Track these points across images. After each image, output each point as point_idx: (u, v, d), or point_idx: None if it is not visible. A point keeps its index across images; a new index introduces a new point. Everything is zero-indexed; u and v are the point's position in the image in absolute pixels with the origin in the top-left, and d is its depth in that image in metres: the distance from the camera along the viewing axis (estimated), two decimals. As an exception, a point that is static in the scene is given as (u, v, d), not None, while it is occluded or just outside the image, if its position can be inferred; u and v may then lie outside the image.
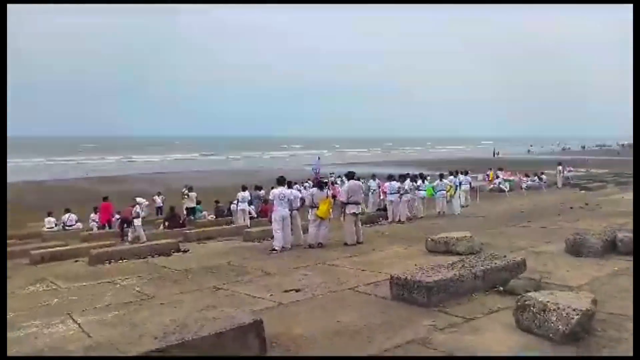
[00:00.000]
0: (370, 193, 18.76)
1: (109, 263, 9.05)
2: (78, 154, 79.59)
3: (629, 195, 15.36)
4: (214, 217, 18.91)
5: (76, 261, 9.95)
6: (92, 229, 17.23)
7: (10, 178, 32.77)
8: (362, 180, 16.32)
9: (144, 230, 13.93)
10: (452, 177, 17.24)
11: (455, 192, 15.88)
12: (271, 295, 5.59)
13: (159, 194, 22.61)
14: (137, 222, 13.86)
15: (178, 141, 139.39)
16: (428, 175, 18.91)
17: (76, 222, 17.86)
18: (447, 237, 7.69)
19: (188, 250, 10.26)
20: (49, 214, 17.92)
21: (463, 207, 16.81)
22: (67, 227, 17.36)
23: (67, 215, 17.78)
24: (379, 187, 17.88)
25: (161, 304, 5.52)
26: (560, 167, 25.91)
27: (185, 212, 18.63)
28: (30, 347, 4.13)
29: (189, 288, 6.37)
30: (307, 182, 22.43)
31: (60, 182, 38.16)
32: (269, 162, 66.35)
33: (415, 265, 6.60)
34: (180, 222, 16.43)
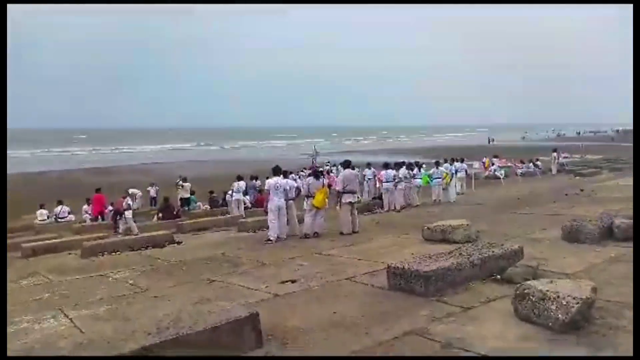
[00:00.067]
0: (365, 182, 18.70)
1: (102, 255, 8.94)
2: (71, 145, 78.96)
3: (624, 181, 15.37)
4: (209, 207, 18.81)
5: (69, 254, 9.82)
6: (84, 221, 17.08)
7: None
8: (358, 169, 16.25)
9: (135, 222, 13.76)
10: (447, 164, 17.18)
11: (451, 180, 15.83)
12: (266, 286, 5.52)
13: (152, 184, 22.45)
14: (128, 213, 13.70)
15: (171, 131, 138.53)
16: (423, 163, 18.86)
17: (69, 214, 17.70)
18: (443, 226, 7.64)
19: (182, 242, 10.17)
20: (42, 206, 17.73)
21: (459, 194, 16.77)
22: (59, 219, 17.21)
23: (59, 207, 17.61)
24: (374, 175, 17.83)
25: (155, 297, 5.44)
26: (555, 154, 25.89)
27: (179, 203, 18.51)
28: (20, 344, 4.04)
29: (183, 280, 6.29)
30: (302, 171, 22.34)
31: (53, 174, 37.85)
32: (264, 152, 66.12)
33: (412, 254, 6.53)
34: (175, 213, 16.32)
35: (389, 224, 10.85)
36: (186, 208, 18.34)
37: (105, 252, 9.14)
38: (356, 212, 10.00)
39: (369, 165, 20.12)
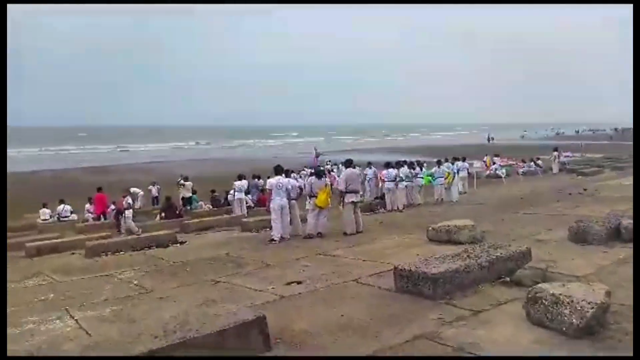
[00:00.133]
0: (366, 181, 18.62)
1: (106, 255, 8.91)
2: (72, 143, 78.86)
3: (627, 181, 15.31)
4: (211, 206, 18.76)
5: (72, 253, 9.79)
6: (87, 220, 17.05)
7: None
8: (359, 169, 16.17)
9: (134, 221, 13.66)
10: (448, 163, 17.11)
11: (453, 179, 15.78)
12: (272, 288, 5.48)
13: (154, 183, 22.41)
14: (128, 213, 13.59)
15: (172, 130, 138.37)
16: (424, 162, 18.80)
17: (71, 213, 17.67)
18: (448, 226, 7.59)
19: (185, 242, 10.13)
20: (44, 205, 17.72)
21: (461, 194, 16.73)
22: (62, 219, 17.18)
23: (61, 206, 17.59)
24: (376, 175, 17.75)
25: (160, 299, 5.40)
26: (556, 153, 25.81)
27: (181, 202, 18.47)
28: (27, 346, 4.00)
29: (188, 281, 6.25)
30: (303, 170, 22.28)
31: (55, 173, 37.80)
32: (263, 151, 66.06)
33: (418, 255, 6.50)
34: (177, 212, 16.26)
35: (392, 224, 10.81)
36: (188, 207, 18.28)
37: (109, 252, 9.10)
38: (359, 211, 9.96)
39: (369, 164, 20.03)
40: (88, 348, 3.34)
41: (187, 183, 19.21)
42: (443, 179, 15.51)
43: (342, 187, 9.85)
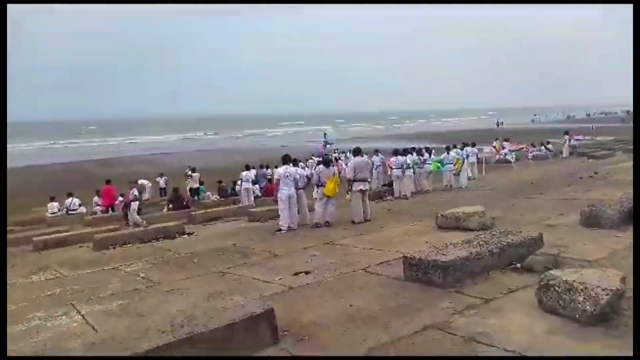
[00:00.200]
0: (374, 169, 18.47)
1: (114, 248, 8.92)
2: (80, 136, 79.37)
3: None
4: (218, 197, 18.78)
5: (80, 247, 9.83)
6: (95, 213, 17.14)
7: (14, 163, 32.71)
8: (366, 156, 16.01)
9: (139, 214, 13.66)
10: (457, 149, 16.91)
11: (462, 165, 15.61)
12: (280, 278, 5.42)
13: (161, 175, 22.48)
14: (134, 205, 13.59)
15: (182, 120, 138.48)
16: (433, 149, 18.62)
17: (79, 206, 17.77)
18: (457, 213, 7.48)
19: (193, 233, 10.12)
20: (52, 199, 17.83)
21: (470, 179, 16.57)
22: (70, 212, 17.28)
23: (70, 199, 17.69)
24: (383, 162, 17.61)
25: (167, 292, 5.36)
26: (566, 136, 25.45)
27: (188, 193, 18.51)
28: (31, 344, 3.97)
29: (195, 273, 6.22)
30: (311, 158, 22.20)
31: (63, 166, 38.09)
32: (270, 140, 66.02)
33: (427, 242, 6.42)
34: (185, 203, 16.29)
35: (400, 211, 10.72)
36: (196, 198, 18.32)
37: (117, 245, 9.12)
38: (368, 200, 9.87)
39: (377, 152, 19.86)
40: (94, 345, 3.30)
41: (194, 174, 19.25)
42: (452, 165, 15.34)
43: (350, 175, 9.76)
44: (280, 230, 9.06)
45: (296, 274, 5.55)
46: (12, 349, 3.69)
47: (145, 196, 19.14)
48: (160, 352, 3.11)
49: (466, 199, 11.47)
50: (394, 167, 14.31)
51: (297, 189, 9.51)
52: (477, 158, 19.28)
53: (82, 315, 4.72)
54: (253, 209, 12.52)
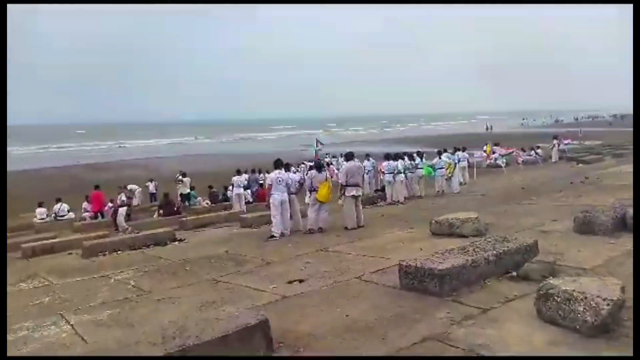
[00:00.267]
0: (365, 174, 18.36)
1: (103, 255, 8.77)
2: (69, 141, 78.47)
3: (628, 168, 15.16)
4: (209, 202, 18.62)
5: (69, 254, 9.66)
6: (84, 219, 16.89)
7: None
8: (357, 160, 15.92)
9: (128, 220, 13.50)
10: (447, 154, 16.90)
11: (454, 170, 15.62)
12: (273, 287, 5.34)
13: (151, 180, 22.25)
14: (121, 210, 13.42)
15: (171, 126, 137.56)
16: (424, 153, 18.60)
17: (68, 211, 17.50)
18: (451, 219, 7.44)
19: (184, 239, 9.99)
20: (40, 205, 17.54)
21: (461, 184, 16.59)
22: (58, 218, 17.02)
23: (58, 205, 17.42)
24: (374, 167, 17.56)
25: (158, 300, 5.25)
26: (555, 141, 25.63)
27: (179, 199, 18.33)
28: (20, 354, 3.85)
29: (187, 281, 6.11)
30: (303, 163, 22.10)
31: (52, 170, 37.58)
32: (262, 144, 65.81)
33: (421, 249, 6.38)
34: (175, 209, 16.12)
35: (393, 217, 10.68)
36: (187, 204, 18.14)
37: (106, 252, 8.97)
38: (360, 205, 9.82)
39: (367, 156, 19.73)
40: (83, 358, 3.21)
41: (185, 179, 19.06)
42: (444, 169, 15.34)
43: (342, 180, 9.70)
44: (273, 236, 8.97)
45: (290, 282, 5.48)
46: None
47: (135, 202, 18.94)
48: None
49: (459, 204, 11.46)
50: (385, 171, 14.27)
51: (289, 194, 9.43)
52: (468, 162, 19.31)
53: (72, 326, 4.61)
54: (245, 215, 12.41)
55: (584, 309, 3.28)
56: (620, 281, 3.59)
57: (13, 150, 57.13)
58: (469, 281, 4.58)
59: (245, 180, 17.69)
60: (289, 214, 9.36)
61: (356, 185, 9.70)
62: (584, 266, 5.04)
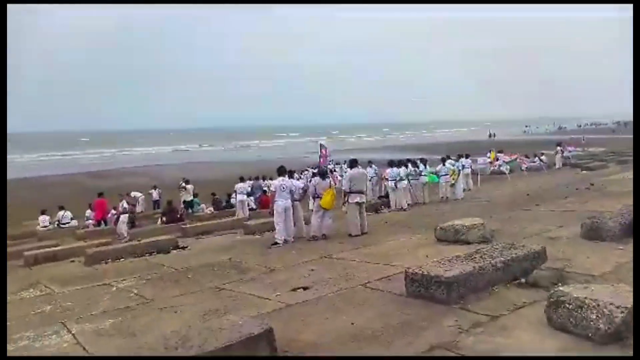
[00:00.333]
0: (367, 180, 18.26)
1: (105, 263, 8.71)
2: (73, 148, 78.72)
3: (632, 174, 15.06)
4: (212, 209, 18.58)
5: (72, 261, 9.62)
6: (87, 227, 16.86)
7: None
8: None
9: (133, 227, 13.47)
10: (451, 160, 16.81)
11: (458, 177, 15.54)
12: (277, 295, 5.27)
13: (155, 187, 22.24)
14: (123, 217, 13.40)
15: (176, 133, 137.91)
16: (427, 160, 18.53)
17: (71, 219, 17.49)
18: (457, 225, 7.36)
19: (187, 247, 9.94)
20: (43, 212, 17.54)
21: (465, 191, 16.50)
22: (62, 225, 17.00)
23: (61, 212, 17.41)
24: (376, 173, 17.51)
25: (160, 309, 5.18)
26: (559, 148, 25.55)
27: (182, 206, 18.29)
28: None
29: (190, 289, 6.04)
30: (306, 170, 22.06)
31: (54, 178, 37.65)
32: (266, 151, 65.88)
33: (427, 256, 6.30)
34: (178, 216, 16.08)
35: (397, 223, 10.60)
36: (190, 211, 18.10)
37: (109, 259, 8.92)
38: (364, 212, 9.74)
39: (370, 163, 19.65)
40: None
41: (188, 186, 19.04)
42: (448, 176, 15.26)
43: (346, 187, 9.65)
44: (276, 243, 8.91)
45: (294, 289, 5.41)
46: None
47: (139, 209, 18.91)
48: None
49: (463, 210, 11.37)
50: (389, 178, 14.21)
51: (293, 201, 9.38)
52: (472, 169, 19.22)
53: (73, 335, 4.54)
54: (248, 222, 12.35)
55: (597, 316, 3.19)
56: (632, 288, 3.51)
57: (15, 158, 57.34)
58: (477, 288, 4.50)
59: (249, 187, 17.65)
60: (292, 221, 9.31)
61: (360, 192, 9.63)
62: (593, 273, 4.96)
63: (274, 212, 9.15)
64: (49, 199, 21.73)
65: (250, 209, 16.84)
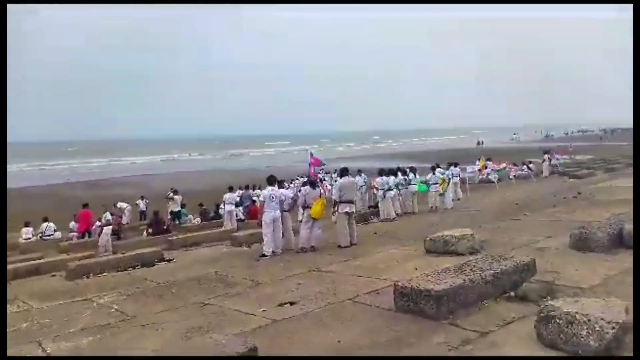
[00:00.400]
0: (356, 189, 18.16)
1: (87, 277, 8.46)
2: (61, 158, 77.77)
3: (620, 183, 15.17)
4: (200, 220, 18.36)
5: (53, 275, 9.36)
6: (70, 239, 16.56)
7: (-12, 187, 31.67)
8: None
9: (118, 239, 13.25)
10: (440, 169, 16.80)
11: (447, 186, 15.51)
12: (263, 310, 5.13)
13: (142, 197, 21.98)
14: (106, 229, 13.18)
15: (164, 142, 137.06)
16: (417, 169, 18.50)
17: (55, 231, 17.16)
18: (446, 236, 7.29)
19: (173, 259, 9.72)
20: (27, 225, 17.19)
21: (454, 200, 16.47)
22: (44, 237, 16.66)
23: (45, 224, 17.10)
24: (365, 182, 17.43)
25: (142, 326, 5.01)
26: (546, 156, 25.68)
27: (169, 217, 18.04)
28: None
29: (174, 304, 5.88)
30: (296, 179, 21.95)
31: (38, 189, 37.10)
32: (256, 160, 65.68)
33: (416, 268, 6.23)
34: (165, 227, 15.84)
35: (387, 234, 10.52)
36: (177, 222, 17.86)
37: (92, 273, 8.66)
38: (354, 222, 9.64)
39: (359, 172, 19.53)
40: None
41: (176, 197, 18.81)
42: (438, 185, 15.22)
43: (336, 196, 9.54)
44: (264, 255, 8.76)
45: (281, 304, 5.28)
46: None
47: (125, 220, 18.63)
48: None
49: (452, 220, 11.33)
50: (378, 187, 14.14)
51: (282, 211, 9.25)
52: (460, 178, 19.23)
53: (48, 354, 4.36)
54: (236, 233, 12.18)
55: (588, 332, 3.12)
56: (625, 302, 3.44)
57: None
58: (466, 302, 4.41)
59: (238, 196, 17.47)
60: (280, 232, 9.17)
61: (350, 201, 9.53)
62: (582, 285, 4.91)
63: (263, 222, 9.01)
64: (33, 210, 21.34)
65: (238, 220, 16.65)
